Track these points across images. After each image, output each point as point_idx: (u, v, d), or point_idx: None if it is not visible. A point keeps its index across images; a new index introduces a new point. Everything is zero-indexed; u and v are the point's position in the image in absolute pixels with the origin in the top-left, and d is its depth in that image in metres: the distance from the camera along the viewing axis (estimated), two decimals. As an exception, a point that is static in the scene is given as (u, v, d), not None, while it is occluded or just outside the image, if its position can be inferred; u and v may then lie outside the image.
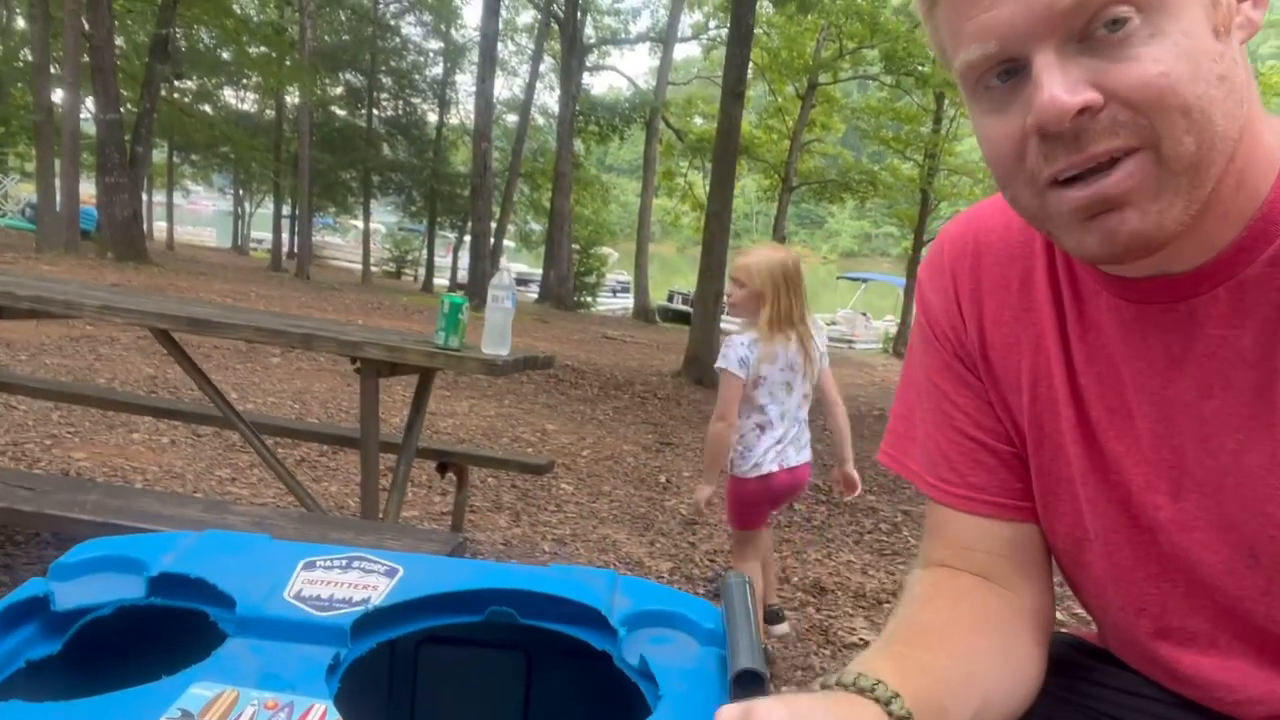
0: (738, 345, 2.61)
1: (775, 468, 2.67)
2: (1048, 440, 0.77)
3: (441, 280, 26.47)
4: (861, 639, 3.09)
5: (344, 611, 0.85)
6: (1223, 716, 0.74)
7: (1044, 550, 0.82)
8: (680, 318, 20.86)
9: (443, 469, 3.28)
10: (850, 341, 24.72)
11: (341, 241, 35.39)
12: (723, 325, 10.54)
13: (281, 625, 0.82)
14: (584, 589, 0.91)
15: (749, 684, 0.66)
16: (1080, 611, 0.88)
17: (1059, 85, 0.57)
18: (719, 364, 2.62)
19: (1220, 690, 0.73)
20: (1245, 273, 0.64)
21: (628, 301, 26.65)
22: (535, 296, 23.39)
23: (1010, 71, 0.61)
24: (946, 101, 19.71)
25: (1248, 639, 0.71)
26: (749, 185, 33.45)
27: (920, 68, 19.36)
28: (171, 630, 0.88)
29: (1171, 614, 0.74)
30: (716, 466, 2.67)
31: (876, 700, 0.59)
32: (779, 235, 22.17)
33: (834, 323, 26.18)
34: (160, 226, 27.93)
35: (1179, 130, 0.57)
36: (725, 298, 2.70)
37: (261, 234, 33.26)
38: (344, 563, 0.93)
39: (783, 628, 2.98)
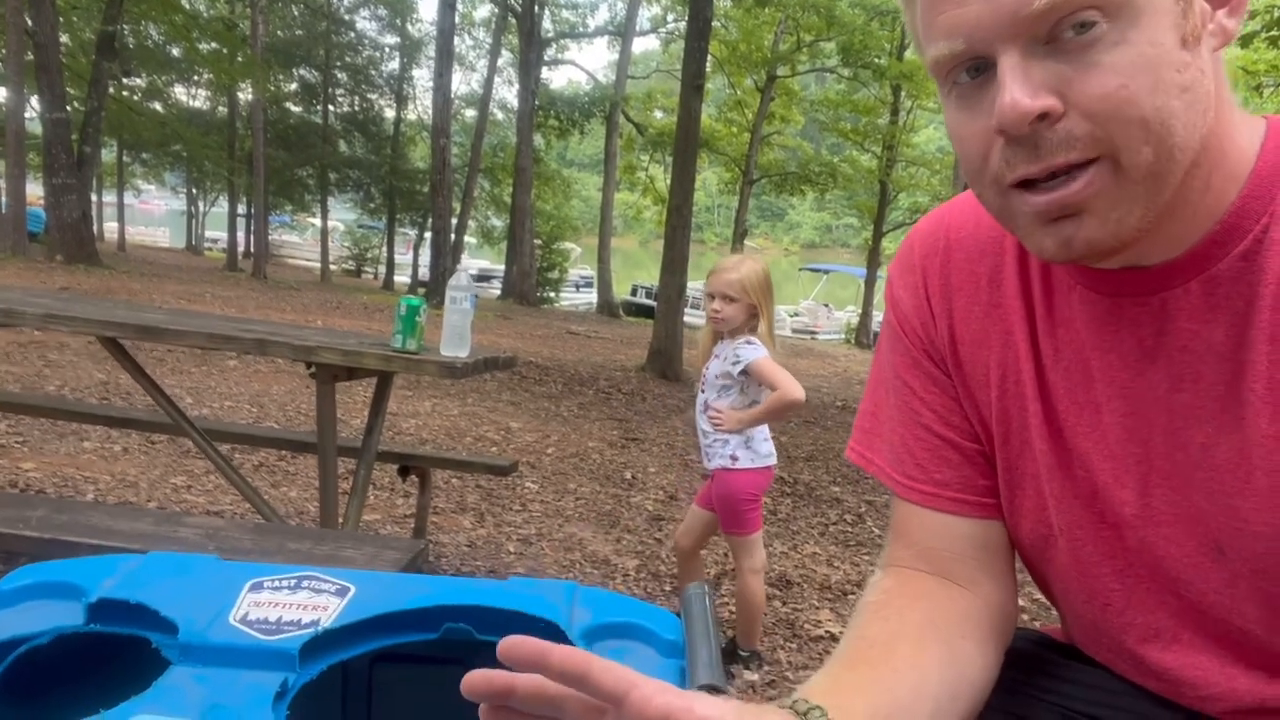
0: (759, 345, 2.61)
1: (774, 460, 2.74)
2: (1014, 436, 0.78)
3: (402, 278, 26.22)
4: (828, 631, 3.10)
5: (293, 634, 0.82)
6: (1187, 711, 0.75)
7: (1008, 548, 0.83)
8: (644, 311, 20.84)
9: (404, 472, 3.23)
10: (813, 332, 24.91)
11: (299, 240, 34.89)
12: (687, 319, 10.53)
13: (226, 651, 0.79)
14: (542, 602, 0.90)
15: (709, 701, 0.65)
16: (1043, 599, 0.88)
17: (1019, 88, 0.57)
18: (756, 356, 2.58)
19: (1184, 685, 0.73)
20: (1217, 267, 0.65)
21: (591, 296, 26.63)
22: (498, 293, 23.25)
23: (979, 69, 0.61)
24: (903, 93, 19.92)
25: (1210, 634, 0.71)
26: (710, 178, 33.59)
27: (877, 60, 19.55)
28: (112, 658, 0.85)
29: (1135, 609, 0.75)
30: (765, 422, 2.66)
31: None
32: (740, 228, 22.26)
33: (797, 314, 26.38)
34: (111, 227, 27.33)
35: (1136, 141, 0.58)
36: (713, 313, 2.62)
37: (216, 233, 32.69)
38: (293, 583, 0.90)
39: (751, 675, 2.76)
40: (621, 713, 0.51)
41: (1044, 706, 0.81)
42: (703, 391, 2.74)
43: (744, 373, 2.60)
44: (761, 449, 2.67)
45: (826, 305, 27.52)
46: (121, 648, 0.84)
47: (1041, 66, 0.58)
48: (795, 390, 2.54)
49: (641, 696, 0.50)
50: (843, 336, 24.12)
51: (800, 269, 34.98)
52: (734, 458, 2.63)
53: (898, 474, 0.83)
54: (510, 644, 0.52)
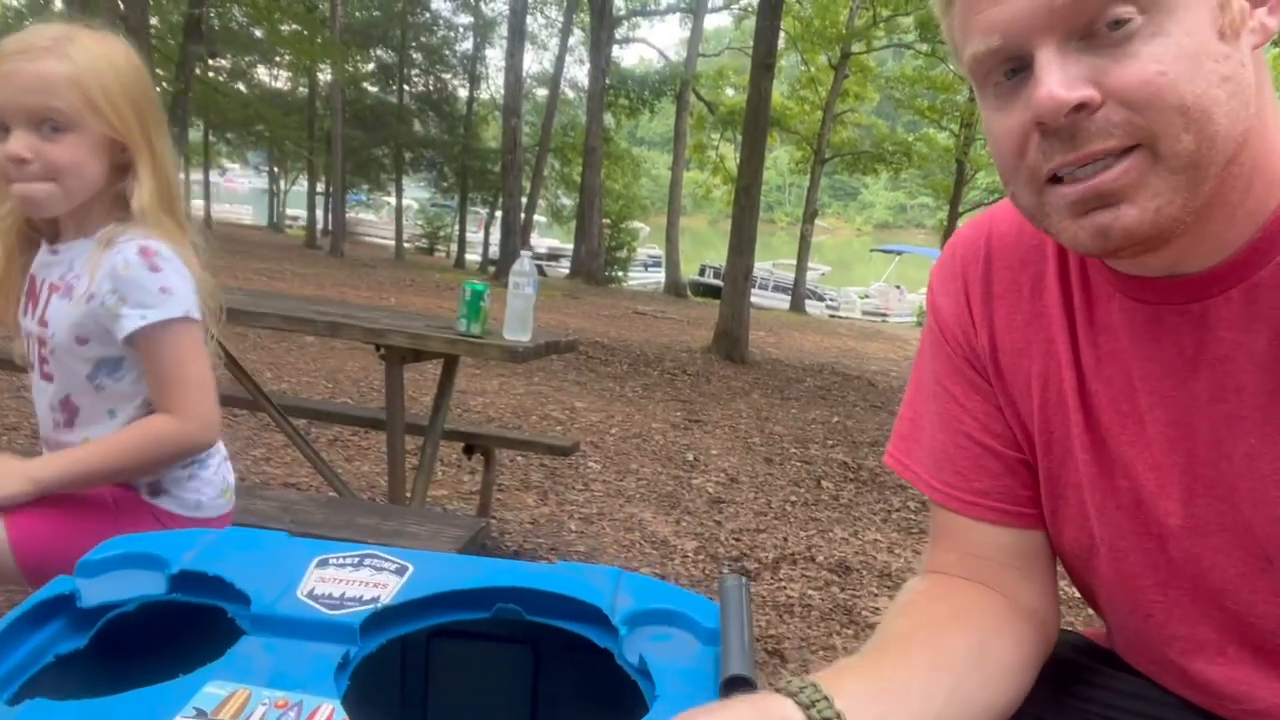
0: (172, 262, 1.29)
1: (230, 505, 1.53)
2: (1056, 445, 0.77)
3: (474, 256, 26.62)
4: (886, 619, 3.10)
5: (355, 610, 0.87)
6: None
7: (1049, 557, 0.82)
8: (712, 292, 20.77)
9: (469, 450, 3.32)
10: (884, 315, 24.56)
11: (375, 218, 35.70)
12: (754, 301, 10.41)
13: (294, 623, 0.85)
14: (588, 587, 0.93)
15: (738, 690, 0.67)
16: (1091, 613, 0.88)
17: (1056, 81, 0.58)
18: (175, 312, 1.29)
19: (1228, 699, 0.73)
20: (1259, 275, 0.64)
21: (659, 276, 26.65)
22: (566, 272, 23.42)
23: (1016, 69, 0.62)
24: (983, 69, 19.34)
25: (1256, 647, 0.71)
26: (781, 157, 33.14)
27: (956, 35, 18.99)
28: (191, 625, 0.91)
29: (1178, 622, 0.74)
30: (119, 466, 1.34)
31: (798, 702, 0.60)
32: (811, 208, 21.97)
33: (867, 296, 25.99)
34: (198, 205, 28.33)
35: (1176, 128, 0.58)
36: (15, 163, 1.19)
37: (297, 211, 33.63)
38: (355, 560, 0.96)
39: None
40: None
41: (1081, 714, 0.81)
42: (42, 367, 1.35)
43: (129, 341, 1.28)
44: (209, 487, 1.51)
45: (898, 287, 27.04)
46: (200, 615, 0.91)
47: (1078, 61, 0.59)
48: (204, 419, 1.34)
49: None
50: (915, 319, 23.69)
51: (872, 250, 34.42)
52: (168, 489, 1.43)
53: (937, 482, 0.83)
54: None
